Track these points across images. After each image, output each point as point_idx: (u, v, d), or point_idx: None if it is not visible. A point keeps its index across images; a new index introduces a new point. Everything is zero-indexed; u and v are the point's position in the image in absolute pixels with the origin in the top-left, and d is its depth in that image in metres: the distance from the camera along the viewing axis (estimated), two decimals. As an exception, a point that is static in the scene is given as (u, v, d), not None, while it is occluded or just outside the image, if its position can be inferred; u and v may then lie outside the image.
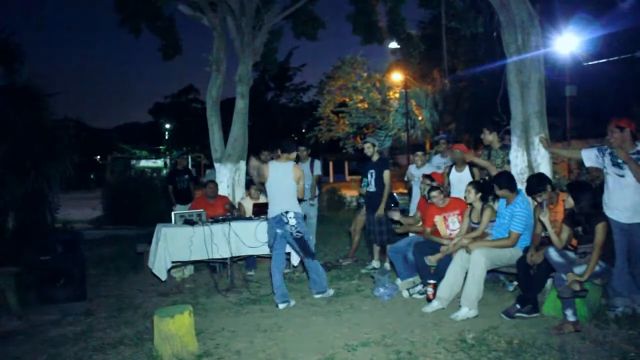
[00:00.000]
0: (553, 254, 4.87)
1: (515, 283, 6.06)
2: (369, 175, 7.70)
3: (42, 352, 4.78)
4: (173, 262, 6.90)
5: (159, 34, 10.76)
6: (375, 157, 7.73)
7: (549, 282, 5.33)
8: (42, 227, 9.01)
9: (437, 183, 6.88)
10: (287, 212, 6.16)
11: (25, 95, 9.05)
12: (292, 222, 6.15)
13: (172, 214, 7.43)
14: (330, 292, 6.41)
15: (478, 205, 6.12)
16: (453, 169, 7.17)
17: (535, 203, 5.69)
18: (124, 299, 6.67)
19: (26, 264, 6.84)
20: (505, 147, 6.62)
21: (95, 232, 13.47)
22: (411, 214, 7.59)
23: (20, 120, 8.73)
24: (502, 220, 5.79)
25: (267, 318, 5.58)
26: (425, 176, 7.10)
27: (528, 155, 6.07)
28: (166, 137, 44.05)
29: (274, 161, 6.47)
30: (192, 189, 10.54)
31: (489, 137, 6.79)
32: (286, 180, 6.21)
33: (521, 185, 5.99)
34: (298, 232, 6.19)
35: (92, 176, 36.01)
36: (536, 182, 5.53)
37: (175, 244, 6.81)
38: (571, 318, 4.70)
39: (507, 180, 5.79)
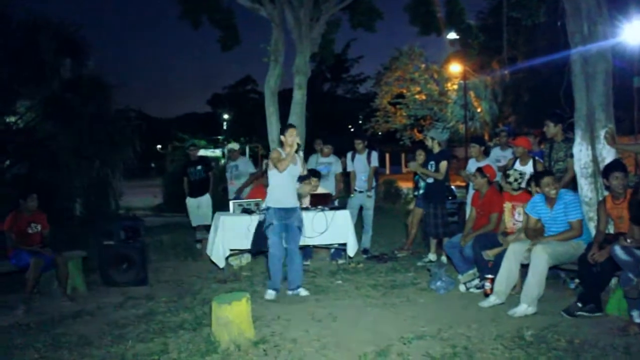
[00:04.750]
0: (619, 251, 4.68)
1: (577, 281, 5.87)
2: (429, 167, 7.64)
3: (107, 333, 4.98)
4: (231, 250, 7.05)
5: (218, 25, 10.95)
6: (437, 149, 7.66)
7: (614, 280, 5.14)
8: (106, 214, 9.38)
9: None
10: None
11: (91, 87, 9.42)
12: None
13: (230, 202, 7.56)
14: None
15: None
16: (517, 163, 6.98)
17: (601, 198, 5.50)
18: (183, 285, 6.87)
19: (92, 248, 7.13)
20: (568, 140, 6.39)
21: (155, 219, 13.90)
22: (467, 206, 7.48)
23: (86, 112, 9.11)
24: (555, 220, 5.60)
25: (322, 308, 5.61)
26: (478, 170, 6.92)
27: (592, 149, 5.83)
28: (224, 128, 44.65)
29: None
30: (210, 179, 9.49)
31: (553, 129, 6.57)
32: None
33: (586, 179, 5.80)
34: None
35: (152, 165, 36.95)
36: (611, 165, 5.34)
37: (232, 233, 6.96)
38: (637, 319, 4.52)
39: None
